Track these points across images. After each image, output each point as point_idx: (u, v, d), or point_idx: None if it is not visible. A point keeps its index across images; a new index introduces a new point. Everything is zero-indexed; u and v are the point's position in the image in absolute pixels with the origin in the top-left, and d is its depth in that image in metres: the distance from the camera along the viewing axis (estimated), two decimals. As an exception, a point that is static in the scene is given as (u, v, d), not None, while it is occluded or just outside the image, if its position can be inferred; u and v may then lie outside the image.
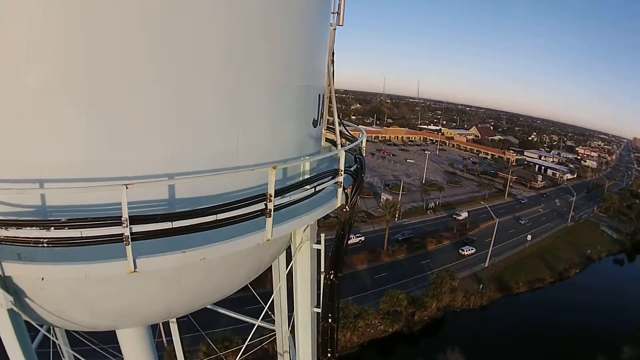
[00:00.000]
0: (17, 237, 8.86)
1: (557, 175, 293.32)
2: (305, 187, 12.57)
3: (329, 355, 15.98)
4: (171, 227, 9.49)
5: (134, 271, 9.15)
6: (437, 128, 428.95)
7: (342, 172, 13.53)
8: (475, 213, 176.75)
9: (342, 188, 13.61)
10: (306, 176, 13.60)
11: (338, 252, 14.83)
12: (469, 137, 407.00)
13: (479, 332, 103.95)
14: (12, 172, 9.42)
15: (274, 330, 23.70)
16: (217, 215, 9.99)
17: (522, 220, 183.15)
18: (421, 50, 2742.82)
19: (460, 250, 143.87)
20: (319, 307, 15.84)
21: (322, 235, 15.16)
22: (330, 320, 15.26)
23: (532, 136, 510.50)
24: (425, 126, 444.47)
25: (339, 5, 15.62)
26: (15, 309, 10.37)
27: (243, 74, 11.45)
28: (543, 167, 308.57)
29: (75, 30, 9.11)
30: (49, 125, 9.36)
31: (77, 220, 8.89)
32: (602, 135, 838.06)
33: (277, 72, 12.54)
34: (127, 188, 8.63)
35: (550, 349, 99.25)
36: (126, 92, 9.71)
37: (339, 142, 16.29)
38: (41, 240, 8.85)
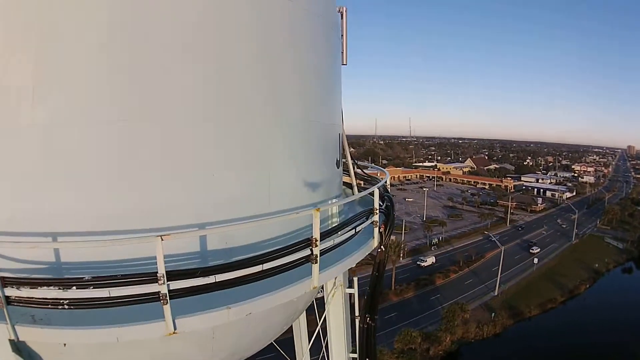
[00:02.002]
0: (32, 298, 8.18)
1: (557, 195, 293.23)
2: (346, 228, 11.97)
3: None
4: (214, 281, 8.70)
5: (174, 332, 8.40)
6: (433, 164, 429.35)
7: (377, 211, 13.19)
8: (480, 244, 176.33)
9: (377, 227, 13.25)
10: (334, 219, 13.47)
11: (373, 293, 14.53)
12: (465, 169, 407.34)
13: (493, 358, 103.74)
14: (26, 224, 9.10)
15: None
16: (264, 265, 9.35)
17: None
18: (409, 88, 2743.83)
19: (530, 250, 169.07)
20: (355, 352, 15.27)
21: (355, 279, 15.06)
22: None
23: (527, 160, 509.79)
24: (421, 163, 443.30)
25: (342, 44, 15.65)
26: None
27: (267, 114, 11.37)
28: (542, 190, 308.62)
29: (103, 75, 9.28)
30: (65, 174, 9.22)
31: (104, 277, 8.19)
32: (596, 150, 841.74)
33: (303, 111, 12.54)
34: (162, 240, 7.93)
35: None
36: (155, 139, 9.65)
37: (354, 183, 16.26)
38: (60, 301, 8.11)
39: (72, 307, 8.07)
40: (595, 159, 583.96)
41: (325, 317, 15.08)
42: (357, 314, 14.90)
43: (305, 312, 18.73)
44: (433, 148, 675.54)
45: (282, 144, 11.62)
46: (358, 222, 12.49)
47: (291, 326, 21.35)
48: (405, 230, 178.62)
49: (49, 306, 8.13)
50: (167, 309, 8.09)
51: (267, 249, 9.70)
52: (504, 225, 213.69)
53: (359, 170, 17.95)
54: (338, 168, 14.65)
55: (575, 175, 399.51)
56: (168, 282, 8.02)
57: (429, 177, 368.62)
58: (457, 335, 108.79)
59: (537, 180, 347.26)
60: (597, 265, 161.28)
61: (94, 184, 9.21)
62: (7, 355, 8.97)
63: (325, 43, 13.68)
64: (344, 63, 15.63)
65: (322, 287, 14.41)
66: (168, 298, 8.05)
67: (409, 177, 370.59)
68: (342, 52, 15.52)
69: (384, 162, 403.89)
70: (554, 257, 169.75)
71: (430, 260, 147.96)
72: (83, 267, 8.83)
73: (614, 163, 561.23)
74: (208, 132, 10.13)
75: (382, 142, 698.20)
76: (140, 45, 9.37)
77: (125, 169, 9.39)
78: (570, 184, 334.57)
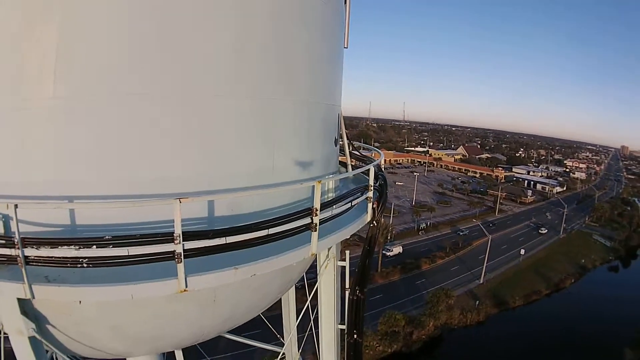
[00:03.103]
0: (52, 257, 8.61)
1: (547, 189, 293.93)
2: (342, 201, 12.62)
3: None
4: (225, 242, 9.35)
5: (185, 290, 9.02)
6: (425, 149, 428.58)
7: (372, 188, 13.92)
8: (467, 230, 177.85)
9: (371, 203, 13.96)
10: (331, 194, 13.83)
11: (364, 267, 15.15)
12: (456, 157, 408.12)
13: (477, 347, 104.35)
14: (48, 188, 9.52)
15: (279, 354, 22.96)
16: (269, 230, 10.00)
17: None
18: (405, 73, 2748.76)
19: (540, 231, 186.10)
20: (344, 324, 16.00)
21: (347, 252, 15.55)
22: (355, 335, 15.41)
23: (520, 152, 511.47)
24: (413, 148, 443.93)
25: (345, 28, 16.04)
26: (37, 336, 10.05)
27: (278, 91, 11.89)
28: (532, 182, 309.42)
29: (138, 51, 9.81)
30: (87, 139, 9.65)
31: (124, 237, 8.69)
32: (589, 147, 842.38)
33: (310, 91, 13.06)
34: (180, 202, 8.54)
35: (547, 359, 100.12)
36: (173, 111, 10.16)
37: (349, 162, 16.75)
38: (80, 260, 8.56)
39: (90, 265, 8.51)
40: (588, 156, 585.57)
41: (315, 291, 15.35)
42: (347, 286, 15.46)
43: (295, 287, 20.27)
44: (426, 134, 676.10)
45: (289, 121, 12.23)
46: (354, 197, 13.20)
47: (280, 302, 22.62)
48: (394, 213, 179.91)
49: (68, 265, 8.57)
50: (180, 267, 8.72)
51: (269, 217, 10.28)
52: (493, 214, 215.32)
53: (354, 151, 18.60)
54: (336, 146, 15.39)
55: (567, 170, 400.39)
56: (183, 242, 8.60)
57: (420, 162, 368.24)
58: (441, 320, 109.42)
59: (528, 173, 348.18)
60: (583, 261, 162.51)
61: (111, 152, 9.70)
62: (16, 318, 9.53)
63: (331, 27, 14.22)
64: (346, 46, 16.11)
65: (315, 260, 14.29)
66: (182, 257, 8.66)
67: (400, 161, 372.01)
68: (345, 36, 15.97)
69: (376, 144, 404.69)
70: (542, 250, 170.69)
71: (396, 250, 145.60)
72: (97, 230, 9.23)
73: (606, 161, 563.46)
74: (223, 106, 10.71)
75: (375, 124, 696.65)
76: (161, 19, 9.87)
77: (144, 139, 9.91)
78: (561, 179, 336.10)
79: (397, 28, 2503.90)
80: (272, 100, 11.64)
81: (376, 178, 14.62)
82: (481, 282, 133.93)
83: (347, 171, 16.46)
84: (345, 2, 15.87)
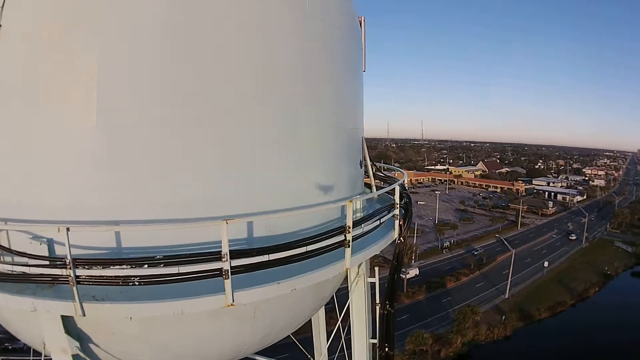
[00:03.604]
0: (103, 276, 9.32)
1: (567, 199, 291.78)
2: (372, 219, 13.50)
3: None
4: (267, 259, 10.14)
5: (232, 304, 9.69)
6: (445, 167, 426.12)
7: (398, 206, 14.82)
8: (491, 247, 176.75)
9: (398, 220, 14.86)
10: (359, 214, 14.53)
11: (393, 282, 15.98)
12: (476, 172, 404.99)
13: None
14: (95, 212, 10.21)
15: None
16: (307, 247, 10.81)
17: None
18: (422, 91, 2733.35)
19: (570, 237, 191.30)
20: (375, 338, 16.46)
21: (376, 269, 16.11)
22: (387, 348, 16.13)
23: (539, 164, 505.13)
24: (433, 167, 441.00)
25: (362, 52, 16.76)
26: (81, 354, 10.56)
27: (307, 118, 12.87)
28: (552, 193, 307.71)
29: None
30: (131, 164, 10.42)
31: (174, 256, 9.43)
32: (607, 153, 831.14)
33: (335, 116, 13.99)
34: (227, 224, 9.29)
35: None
36: (212, 139, 11.04)
37: (373, 183, 17.66)
38: (131, 278, 9.25)
39: (142, 283, 9.30)
40: (606, 163, 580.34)
41: (346, 308, 15.88)
42: (377, 302, 15.98)
43: (324, 309, 21.03)
44: (445, 151, 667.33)
45: (318, 147, 13.10)
46: (382, 215, 14.09)
47: (309, 324, 22.85)
48: (417, 233, 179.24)
49: (120, 283, 9.31)
50: (227, 283, 9.51)
51: (301, 237, 11.17)
52: (515, 228, 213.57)
53: (377, 172, 19.48)
54: (361, 168, 16.21)
55: (586, 178, 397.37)
56: (230, 260, 9.41)
57: (440, 180, 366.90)
58: (468, 337, 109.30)
59: (548, 184, 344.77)
60: (606, 268, 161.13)
61: (152, 177, 10.56)
62: (59, 336, 10.22)
63: (351, 54, 15.14)
64: (364, 70, 16.88)
65: (345, 280, 15.33)
66: (230, 274, 9.45)
67: (421, 180, 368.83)
68: (363, 60, 16.83)
69: (397, 164, 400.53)
70: (564, 261, 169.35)
71: (413, 272, 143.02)
72: (139, 251, 9.96)
73: (624, 166, 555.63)
74: (259, 134, 11.59)
75: (394, 145, 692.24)
76: (198, 53, 10.87)
77: (184, 164, 10.80)
78: (581, 188, 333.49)
79: (409, 47, 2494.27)
80: (303, 130, 12.57)
81: (401, 197, 15.34)
82: (506, 296, 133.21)
83: (371, 192, 17.12)
84: (361, 27, 16.68)
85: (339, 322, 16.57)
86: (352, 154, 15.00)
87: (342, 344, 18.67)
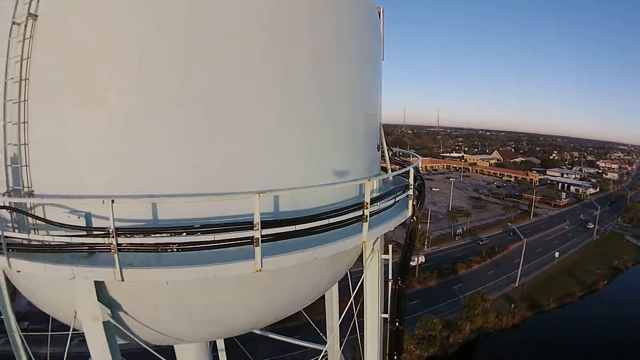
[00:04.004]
0: (144, 244, 10.15)
1: (580, 191, 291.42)
2: (387, 198, 14.59)
3: (395, 357, 17.51)
4: (294, 229, 11.08)
5: (260, 270, 10.50)
6: (460, 155, 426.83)
7: (412, 187, 15.71)
8: (502, 236, 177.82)
9: (411, 200, 15.74)
10: (375, 194, 14.88)
11: (405, 259, 16.83)
12: (491, 161, 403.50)
13: (511, 349, 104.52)
14: (128, 188, 10.94)
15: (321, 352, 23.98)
16: (329, 219, 11.76)
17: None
18: (439, 79, 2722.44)
19: (587, 225, 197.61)
20: (387, 313, 16.89)
21: (390, 246, 16.46)
22: (397, 323, 16.71)
23: (553, 155, 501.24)
24: (448, 154, 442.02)
25: (381, 42, 17.44)
26: (112, 321, 11.37)
27: (332, 105, 13.75)
28: (566, 185, 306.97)
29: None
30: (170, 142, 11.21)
31: (211, 225, 10.33)
32: (621, 147, 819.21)
33: (355, 101, 14.81)
34: (259, 196, 10.18)
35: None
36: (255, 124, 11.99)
37: (389, 166, 18.44)
38: (170, 245, 10.12)
39: (180, 249, 10.18)
40: (620, 156, 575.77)
41: (360, 282, 16.70)
42: (390, 277, 16.53)
43: (338, 288, 22.33)
44: (460, 139, 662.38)
45: (340, 131, 14.02)
46: (397, 194, 15.18)
47: (323, 304, 24.86)
48: (430, 219, 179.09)
49: (159, 250, 10.18)
50: (257, 250, 10.40)
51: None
52: (528, 218, 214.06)
53: (394, 157, 20.68)
54: (378, 151, 17.06)
55: (600, 171, 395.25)
56: (261, 229, 10.33)
57: (455, 167, 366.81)
58: (477, 324, 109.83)
59: (562, 175, 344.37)
60: (616, 262, 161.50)
61: (188, 155, 11.36)
62: (92, 304, 11.04)
63: (371, 44, 16.04)
64: (382, 59, 17.58)
65: (360, 257, 16.36)
66: (260, 242, 10.35)
67: (436, 167, 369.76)
68: (382, 49, 17.51)
69: (412, 151, 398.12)
70: (575, 252, 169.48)
71: (420, 259, 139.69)
72: (176, 222, 10.74)
73: (638, 161, 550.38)
74: (288, 120, 12.62)
75: (410, 131, 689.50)
76: (229, 47, 11.71)
77: (219, 143, 11.66)
78: (594, 180, 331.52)
79: (428, 35, 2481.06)
80: (326, 113, 13.47)
81: (415, 179, 16.13)
82: (516, 285, 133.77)
83: (387, 174, 17.85)
84: (380, 17, 17.46)
85: (352, 297, 17.16)
86: (370, 138, 15.88)
87: (355, 321, 19.95)
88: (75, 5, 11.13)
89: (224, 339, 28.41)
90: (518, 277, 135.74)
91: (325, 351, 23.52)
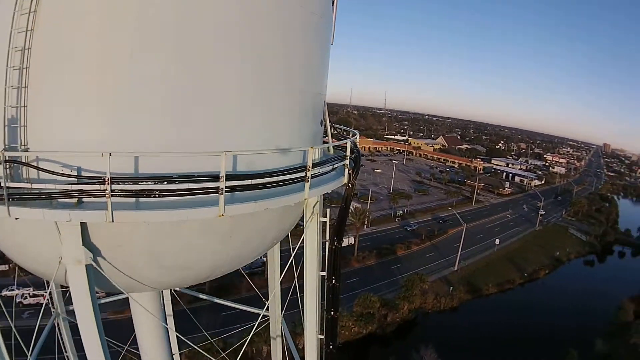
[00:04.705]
0: (132, 190, 12.01)
1: (525, 182, 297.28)
2: (327, 164, 16.92)
3: (332, 312, 19.74)
4: (250, 183, 13.39)
5: (222, 215, 12.56)
6: (404, 138, 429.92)
7: (349, 157, 17.90)
8: (443, 219, 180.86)
9: (347, 169, 17.88)
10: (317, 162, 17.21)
11: (341, 222, 18.86)
12: (436, 146, 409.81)
13: (450, 331, 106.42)
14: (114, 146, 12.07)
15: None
16: (278, 177, 14.19)
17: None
18: (388, 61, 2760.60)
19: (539, 212, 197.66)
20: (324, 271, 19.08)
21: (328, 210, 18.80)
22: (334, 280, 19.02)
23: (500, 145, 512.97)
24: (392, 136, 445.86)
25: (332, 27, 19.20)
26: (93, 264, 12.95)
27: (287, 86, 15.79)
28: (510, 175, 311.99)
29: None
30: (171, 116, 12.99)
31: (187, 176, 12.33)
32: (571, 142, 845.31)
33: (305, 82, 16.76)
34: (225, 154, 12.35)
35: (520, 346, 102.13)
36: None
37: (330, 140, 20.40)
38: (153, 192, 12.05)
39: (161, 195, 12.12)
40: (569, 152, 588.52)
41: (300, 241, 18.62)
42: (327, 238, 18.81)
43: (280, 250, 24.48)
44: (406, 122, 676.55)
45: (288, 105, 15.89)
46: (334, 162, 17.60)
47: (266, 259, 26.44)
48: (371, 200, 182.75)
49: (144, 195, 12.11)
50: (221, 198, 12.49)
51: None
52: (470, 204, 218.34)
53: (335, 132, 23.61)
54: (321, 126, 19.01)
55: (547, 164, 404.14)
56: (226, 182, 12.47)
57: (399, 150, 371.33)
58: (415, 304, 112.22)
59: (507, 165, 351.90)
60: (558, 253, 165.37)
61: (167, 121, 13.05)
62: (77, 248, 12.55)
63: (322, 29, 17.68)
64: (332, 43, 19.46)
65: (302, 218, 18.43)
66: (224, 191, 12.49)
67: (380, 149, 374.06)
68: (332, 34, 19.26)
69: (356, 132, 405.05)
70: (516, 241, 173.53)
71: (347, 241, 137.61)
72: (154, 175, 12.44)
73: (587, 158, 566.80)
74: (250, 96, 14.41)
75: (355, 112, 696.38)
76: (202, 47, 13.44)
77: (194, 114, 13.38)
78: (540, 172, 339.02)
79: (381, 17, 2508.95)
80: (275, 89, 15.21)
81: (352, 152, 18.30)
82: (455, 269, 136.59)
83: (329, 148, 19.81)
84: (333, 4, 19.12)
85: (292, 255, 19.55)
86: (315, 113, 17.75)
87: (295, 278, 20.96)
88: None
89: (173, 308, 31.68)
90: (457, 261, 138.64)
91: (268, 317, 27.52)
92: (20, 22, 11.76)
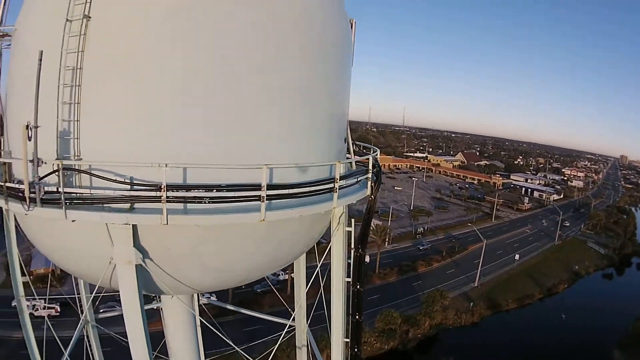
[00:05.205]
0: (185, 197, 13.15)
1: (544, 196, 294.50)
2: (352, 177, 18.23)
3: (357, 317, 21.12)
4: (288, 192, 14.67)
5: (263, 220, 13.77)
6: (424, 155, 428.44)
7: (371, 171, 19.04)
8: (463, 236, 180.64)
9: (370, 182, 18.99)
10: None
11: (364, 231, 20.36)
12: (455, 163, 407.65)
13: (471, 347, 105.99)
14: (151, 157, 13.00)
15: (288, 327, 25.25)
16: (311, 187, 15.46)
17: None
18: (406, 78, 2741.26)
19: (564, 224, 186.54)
20: (349, 277, 20.24)
21: (352, 220, 19.78)
22: (358, 285, 20.34)
23: (518, 160, 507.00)
24: (412, 154, 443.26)
25: (352, 50, 20.37)
26: (143, 264, 14.05)
27: (318, 108, 16.93)
28: (529, 190, 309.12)
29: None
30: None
31: (234, 185, 13.62)
32: (589, 155, 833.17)
33: (333, 106, 18.02)
34: (267, 168, 13.64)
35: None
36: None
37: (352, 155, 21.34)
38: (204, 198, 13.21)
39: (210, 202, 13.33)
40: (586, 165, 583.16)
41: (328, 249, 19.56)
42: (352, 246, 19.94)
43: (305, 256, 24.36)
44: (425, 139, 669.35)
45: (321, 127, 17.18)
46: (358, 175, 18.80)
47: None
48: (392, 217, 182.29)
49: (195, 201, 13.22)
50: (263, 205, 13.67)
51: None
52: (489, 220, 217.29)
53: (357, 149, 24.35)
54: (345, 143, 20.01)
55: (565, 178, 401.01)
56: (267, 191, 13.70)
57: (419, 167, 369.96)
58: (436, 320, 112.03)
59: (526, 180, 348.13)
60: (577, 267, 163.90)
61: (210, 135, 14.27)
62: (128, 249, 13.69)
63: (344, 53, 18.80)
64: (352, 65, 20.32)
65: (329, 229, 19.40)
66: (265, 199, 13.68)
67: (399, 166, 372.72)
68: (352, 57, 20.27)
69: (376, 148, 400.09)
70: (536, 256, 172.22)
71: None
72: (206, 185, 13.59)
73: (605, 170, 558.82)
74: (284, 121, 15.70)
75: (374, 129, 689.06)
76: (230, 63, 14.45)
77: (242, 131, 14.74)
78: (558, 187, 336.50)
79: (398, 34, 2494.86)
80: (305, 112, 16.32)
81: (373, 167, 19.39)
82: (476, 285, 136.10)
83: (351, 164, 20.54)
84: (351, 28, 20.08)
85: (319, 263, 20.43)
86: (340, 132, 18.88)
87: (320, 281, 21.78)
88: (122, 12, 13.60)
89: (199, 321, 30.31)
90: (477, 277, 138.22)
91: (293, 327, 27.31)
92: (70, 43, 12.98)
